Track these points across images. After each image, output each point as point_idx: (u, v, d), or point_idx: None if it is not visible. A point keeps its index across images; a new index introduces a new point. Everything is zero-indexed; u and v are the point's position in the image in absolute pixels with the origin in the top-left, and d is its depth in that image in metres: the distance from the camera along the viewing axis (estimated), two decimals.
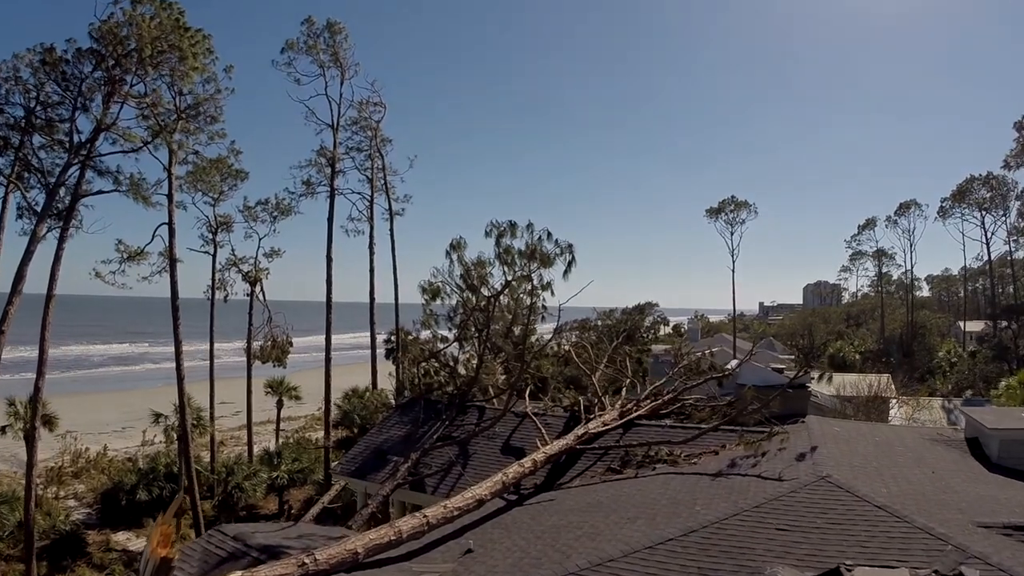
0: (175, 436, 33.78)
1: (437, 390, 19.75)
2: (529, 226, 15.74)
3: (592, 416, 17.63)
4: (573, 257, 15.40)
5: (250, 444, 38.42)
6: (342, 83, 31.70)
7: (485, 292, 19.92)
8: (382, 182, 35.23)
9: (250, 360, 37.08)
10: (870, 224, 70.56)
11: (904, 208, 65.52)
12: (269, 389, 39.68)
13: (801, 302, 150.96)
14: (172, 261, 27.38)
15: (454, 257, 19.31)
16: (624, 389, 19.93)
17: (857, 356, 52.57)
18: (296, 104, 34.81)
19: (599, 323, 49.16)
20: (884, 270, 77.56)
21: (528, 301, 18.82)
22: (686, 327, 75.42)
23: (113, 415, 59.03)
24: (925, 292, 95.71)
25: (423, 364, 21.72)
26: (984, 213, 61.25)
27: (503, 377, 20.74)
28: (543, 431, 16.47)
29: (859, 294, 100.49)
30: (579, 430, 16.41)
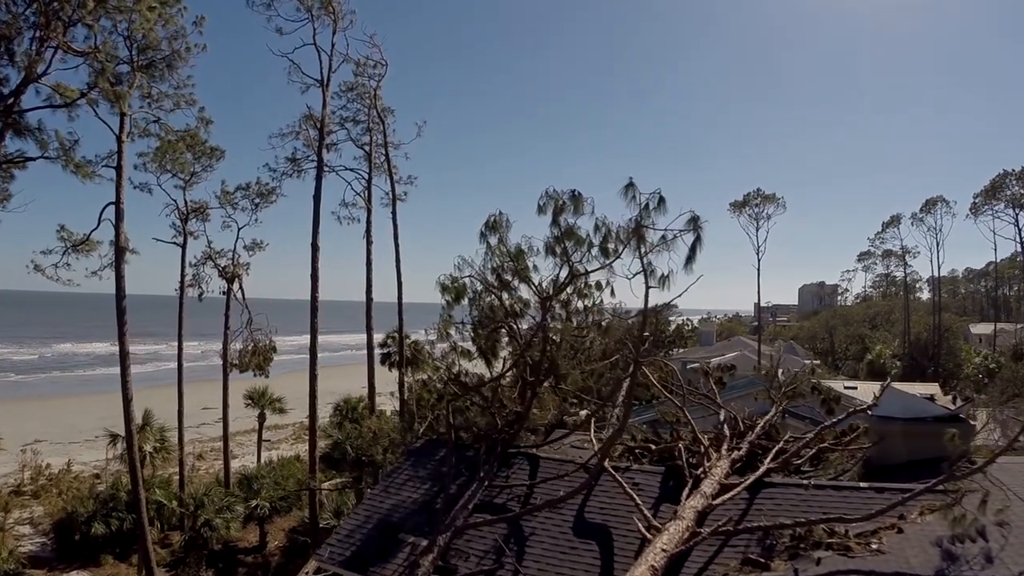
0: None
1: (466, 431, 13.38)
2: (629, 187, 9.37)
3: (701, 472, 11.38)
4: (699, 237, 9.20)
5: (226, 465, 31.75)
6: (334, 32, 25.15)
7: (529, 292, 13.66)
8: (382, 159, 28.59)
9: (226, 368, 30.50)
10: (894, 221, 64.98)
11: (930, 205, 60.04)
12: (249, 401, 33.10)
13: (796, 303, 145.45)
14: (119, 249, 20.80)
15: (492, 241, 12.97)
16: (726, 424, 13.67)
17: (899, 363, 46.68)
18: (285, 84, 28.17)
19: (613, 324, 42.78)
20: (889, 271, 72.17)
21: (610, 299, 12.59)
22: (690, 327, 69.15)
23: (88, 421, 52.20)
24: (926, 294, 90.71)
25: (438, 385, 15.38)
26: (1018, 210, 55.94)
27: (551, 411, 14.28)
28: (642, 507, 10.19)
29: (863, 295, 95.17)
30: (696, 501, 10.16)
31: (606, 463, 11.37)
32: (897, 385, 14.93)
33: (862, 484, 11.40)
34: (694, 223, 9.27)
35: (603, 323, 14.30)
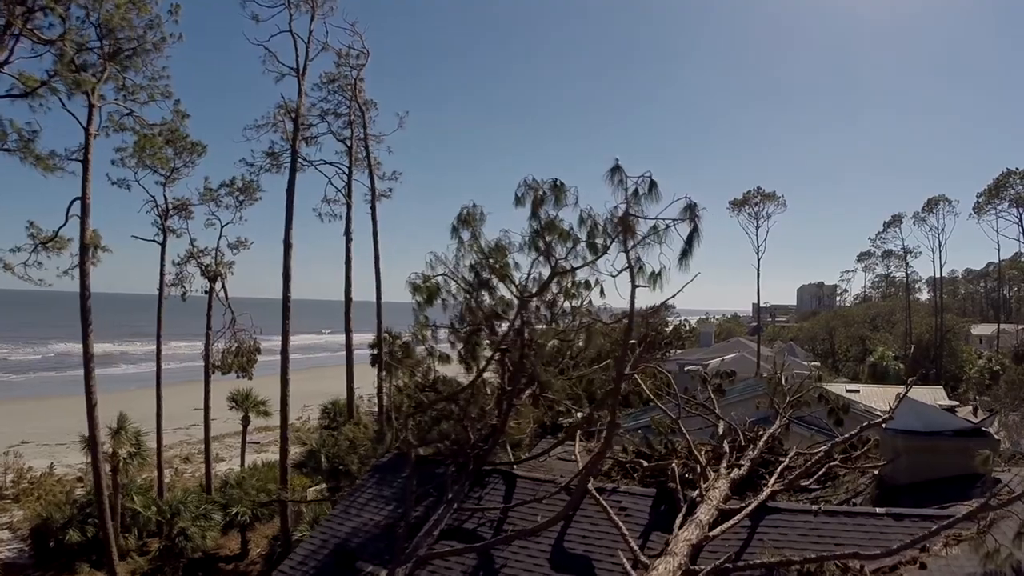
0: (110, 465, 25.97)
1: (439, 443, 11.98)
2: (615, 171, 7.88)
3: (697, 495, 9.96)
4: (696, 227, 7.75)
5: (208, 470, 30.34)
6: (312, 19, 23.78)
7: (512, 291, 12.26)
8: (364, 153, 27.14)
9: (208, 370, 29.12)
10: (896, 221, 63.41)
11: (932, 204, 58.47)
12: (233, 403, 31.72)
13: (795, 303, 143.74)
14: (84, 247, 19.44)
15: (465, 236, 11.58)
16: (725, 439, 12.25)
17: (901, 366, 45.05)
18: (267, 77, 26.57)
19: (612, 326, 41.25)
20: (889, 271, 70.51)
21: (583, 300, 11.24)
22: (688, 328, 67.40)
23: (77, 422, 50.90)
24: (925, 295, 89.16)
25: (413, 392, 14.02)
26: (1021, 210, 54.36)
27: (535, 425, 12.78)
28: (628, 537, 8.77)
29: (862, 296, 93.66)
30: (690, 532, 8.74)
31: (589, 485, 9.95)
32: (912, 394, 13.51)
33: (878, 510, 9.97)
34: (690, 211, 7.81)
35: (588, 326, 12.84)
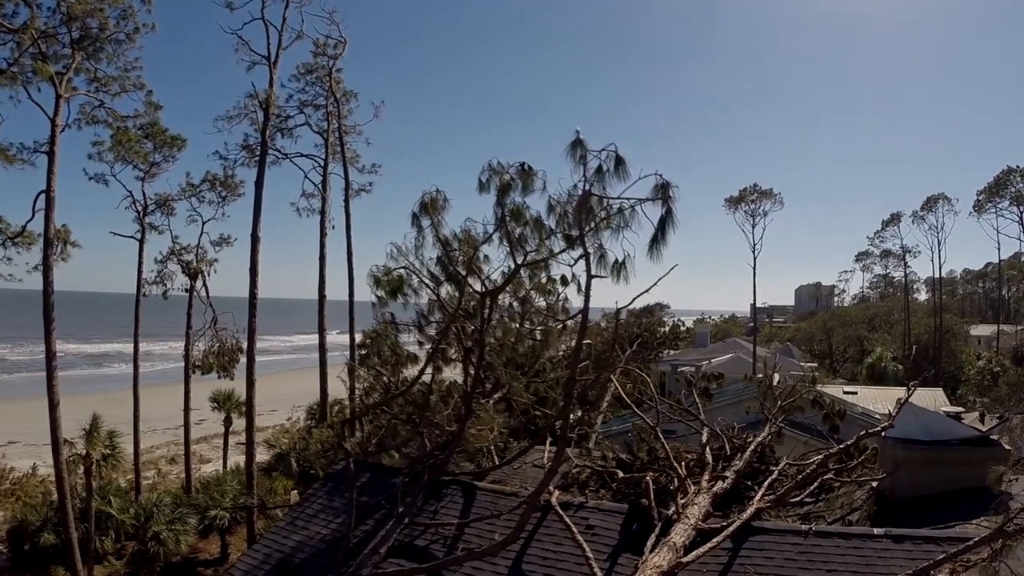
0: (82, 468, 24.96)
1: (397, 449, 10.90)
2: (576, 145, 6.70)
3: (673, 513, 8.86)
4: (670, 210, 6.59)
5: (188, 471, 29.33)
6: (287, 6, 22.71)
7: (477, 286, 11.15)
8: (342, 145, 25.99)
9: (188, 370, 28.12)
10: (894, 220, 62.13)
11: (931, 203, 57.20)
12: (215, 404, 30.68)
13: (793, 304, 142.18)
14: (47, 241, 18.40)
15: (426, 224, 10.48)
16: (708, 447, 11.10)
17: (900, 367, 43.78)
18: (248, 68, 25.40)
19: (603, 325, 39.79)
20: (887, 271, 69.20)
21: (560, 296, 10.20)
22: (684, 328, 66.30)
23: (65, 422, 49.85)
24: (923, 295, 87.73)
25: (375, 396, 12.99)
26: (1022, 208, 53.05)
27: (499, 430, 11.61)
28: (592, 562, 7.67)
29: (860, 296, 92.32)
30: (661, 557, 7.64)
31: (553, 499, 8.84)
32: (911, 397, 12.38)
33: (876, 531, 8.83)
34: (662, 191, 6.66)
35: (546, 327, 11.75)
